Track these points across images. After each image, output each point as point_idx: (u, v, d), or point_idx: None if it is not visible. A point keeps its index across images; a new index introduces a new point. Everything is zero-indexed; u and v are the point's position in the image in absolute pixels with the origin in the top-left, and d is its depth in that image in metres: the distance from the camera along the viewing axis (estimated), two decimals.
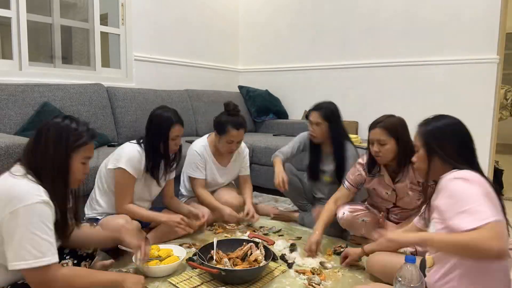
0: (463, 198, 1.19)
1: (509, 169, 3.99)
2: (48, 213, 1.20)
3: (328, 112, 2.38)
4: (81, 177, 1.34)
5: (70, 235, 1.41)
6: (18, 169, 1.25)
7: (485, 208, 1.15)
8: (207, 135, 2.58)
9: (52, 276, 1.18)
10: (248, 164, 2.70)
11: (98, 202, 2.04)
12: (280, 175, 2.35)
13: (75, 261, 1.51)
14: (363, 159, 2.10)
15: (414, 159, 1.47)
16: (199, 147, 2.48)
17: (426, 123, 1.44)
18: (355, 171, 2.12)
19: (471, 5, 3.20)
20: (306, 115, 2.50)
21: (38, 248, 1.15)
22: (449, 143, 1.36)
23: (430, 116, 1.47)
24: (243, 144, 2.62)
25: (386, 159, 1.93)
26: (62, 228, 1.32)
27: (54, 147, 1.26)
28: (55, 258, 1.20)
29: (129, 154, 1.98)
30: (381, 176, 2.03)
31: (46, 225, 1.18)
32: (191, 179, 2.47)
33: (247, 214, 2.39)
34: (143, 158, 2.02)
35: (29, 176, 1.22)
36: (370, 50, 3.73)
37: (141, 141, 2.06)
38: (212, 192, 2.55)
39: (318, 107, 2.41)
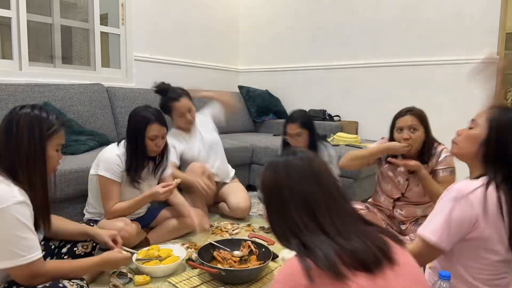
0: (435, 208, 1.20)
1: None
2: (25, 212, 1.20)
3: (305, 120, 2.38)
4: (56, 164, 1.35)
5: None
6: None
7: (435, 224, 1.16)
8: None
9: (37, 271, 1.21)
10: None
11: (92, 205, 2.04)
12: None
13: None
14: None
15: (461, 132, 1.28)
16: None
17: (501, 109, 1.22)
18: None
19: (471, 5, 3.20)
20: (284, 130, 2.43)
21: (20, 247, 1.17)
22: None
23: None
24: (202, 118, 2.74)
25: (414, 146, 1.92)
26: (43, 218, 1.34)
27: (28, 139, 1.24)
28: (39, 254, 1.22)
29: (107, 159, 1.95)
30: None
31: (25, 224, 1.18)
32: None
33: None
34: (123, 160, 1.96)
35: (0, 178, 1.21)
36: (370, 50, 3.73)
37: (123, 142, 2.01)
38: (222, 185, 2.68)
39: (292, 119, 2.40)
